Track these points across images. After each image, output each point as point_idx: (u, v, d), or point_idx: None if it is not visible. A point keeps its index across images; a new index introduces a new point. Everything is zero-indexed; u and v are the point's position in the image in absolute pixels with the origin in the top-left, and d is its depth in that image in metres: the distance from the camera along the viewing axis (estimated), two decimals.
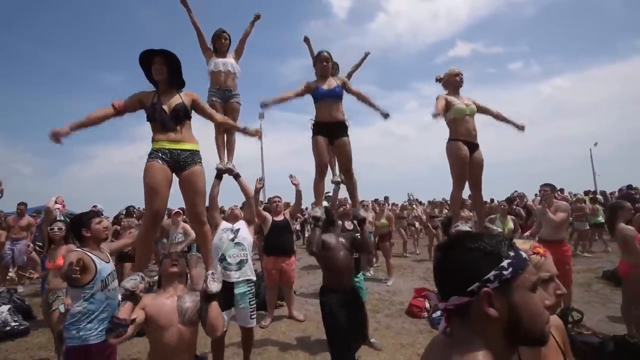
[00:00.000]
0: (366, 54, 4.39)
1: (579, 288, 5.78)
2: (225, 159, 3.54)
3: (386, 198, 12.11)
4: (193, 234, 5.93)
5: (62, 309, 3.11)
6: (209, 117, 2.45)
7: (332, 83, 3.11)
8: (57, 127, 2.00)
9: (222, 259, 3.27)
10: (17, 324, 4.72)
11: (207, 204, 3.40)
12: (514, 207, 7.65)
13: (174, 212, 6.33)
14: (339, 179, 3.98)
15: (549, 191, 4.83)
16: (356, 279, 3.96)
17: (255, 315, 3.40)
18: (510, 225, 5.93)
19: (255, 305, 3.40)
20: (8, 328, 4.62)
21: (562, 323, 1.19)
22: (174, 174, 2.20)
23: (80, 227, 2.52)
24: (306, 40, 3.80)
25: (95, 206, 6.77)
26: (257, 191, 3.93)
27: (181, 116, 2.19)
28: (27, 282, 7.28)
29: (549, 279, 1.06)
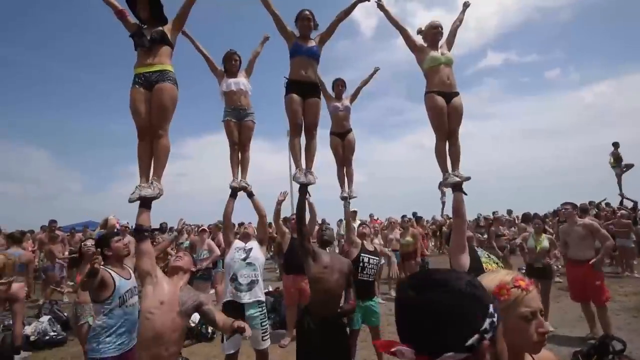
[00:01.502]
0: (375, 70, 4.37)
1: (626, 313, 5.27)
2: (239, 177, 3.57)
3: (414, 214, 11.74)
4: (217, 251, 6.11)
5: (91, 321, 3.31)
6: (185, 8, 2.57)
7: (311, 43, 3.09)
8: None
9: (234, 279, 3.27)
10: (55, 333, 5.07)
11: (222, 221, 3.42)
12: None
13: (200, 229, 6.57)
14: (346, 195, 3.94)
15: (570, 209, 4.62)
16: (371, 302, 3.87)
17: (267, 337, 3.36)
18: (545, 243, 5.53)
19: (267, 327, 3.36)
20: (47, 337, 4.98)
21: (555, 359, 1.10)
22: (150, 92, 2.43)
23: (102, 246, 2.71)
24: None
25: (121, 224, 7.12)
26: (279, 203, 4.02)
27: (156, 38, 2.42)
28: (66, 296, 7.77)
29: (532, 316, 0.96)
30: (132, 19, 2.50)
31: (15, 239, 5.51)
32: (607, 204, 11.60)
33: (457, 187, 2.60)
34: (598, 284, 4.30)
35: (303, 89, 3.05)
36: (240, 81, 3.60)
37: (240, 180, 3.53)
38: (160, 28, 2.47)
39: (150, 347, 2.02)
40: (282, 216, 4.75)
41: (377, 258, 3.96)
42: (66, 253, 7.60)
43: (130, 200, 2.28)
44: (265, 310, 3.38)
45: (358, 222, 7.39)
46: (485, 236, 8.90)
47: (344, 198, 3.97)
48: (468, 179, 2.64)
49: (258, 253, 3.44)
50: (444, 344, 0.62)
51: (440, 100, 2.69)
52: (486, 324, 0.63)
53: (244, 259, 3.34)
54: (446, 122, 2.72)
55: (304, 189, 3.01)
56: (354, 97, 4.24)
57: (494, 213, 10.63)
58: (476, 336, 0.62)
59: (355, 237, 4.07)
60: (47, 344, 4.93)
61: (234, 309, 3.22)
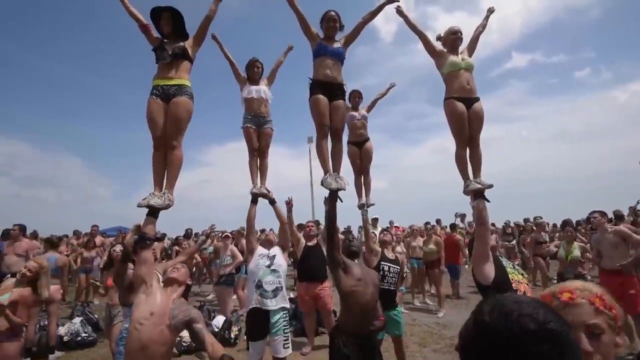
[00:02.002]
0: (391, 85, 4.39)
1: None
2: (259, 183, 3.58)
3: (438, 221, 11.51)
4: (240, 257, 6.20)
5: None
6: (204, 24, 2.67)
7: (336, 44, 3.01)
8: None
9: (259, 285, 3.27)
10: (86, 334, 5.29)
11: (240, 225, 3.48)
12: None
13: (223, 235, 6.68)
14: (364, 202, 3.89)
15: (599, 217, 4.52)
16: (394, 312, 3.80)
17: (289, 345, 3.33)
18: (576, 252, 5.29)
19: (289, 334, 3.33)
20: (79, 338, 5.20)
21: None
22: (167, 104, 2.52)
23: (132, 252, 2.82)
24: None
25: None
26: (288, 210, 3.95)
27: (178, 53, 2.51)
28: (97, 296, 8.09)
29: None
30: (154, 33, 2.63)
31: (53, 243, 5.82)
32: None
33: (479, 195, 2.50)
34: (632, 293, 4.10)
35: (329, 90, 2.94)
36: (262, 89, 3.67)
37: (261, 187, 3.55)
38: (182, 43, 2.57)
39: (136, 358, 1.95)
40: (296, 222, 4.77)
41: (398, 267, 3.88)
42: (104, 257, 7.94)
43: (139, 205, 2.30)
44: (288, 317, 3.37)
45: (379, 229, 7.31)
46: (513, 243, 8.58)
47: (361, 206, 3.93)
48: (490, 186, 2.53)
49: (281, 260, 3.44)
50: None
51: (460, 106, 2.64)
52: None
53: (269, 266, 3.33)
54: (466, 128, 2.66)
55: (334, 195, 2.81)
56: (369, 108, 4.25)
57: (525, 220, 10.24)
58: None
59: (374, 245, 4.02)
60: (79, 344, 5.14)
61: (259, 315, 3.23)
